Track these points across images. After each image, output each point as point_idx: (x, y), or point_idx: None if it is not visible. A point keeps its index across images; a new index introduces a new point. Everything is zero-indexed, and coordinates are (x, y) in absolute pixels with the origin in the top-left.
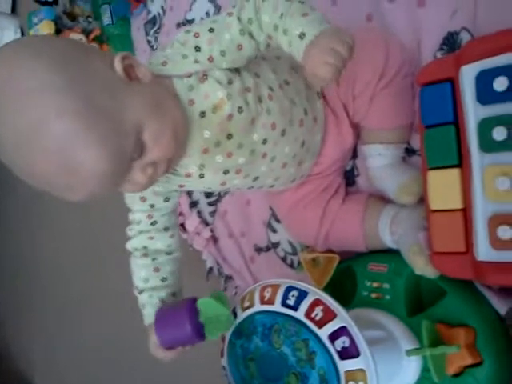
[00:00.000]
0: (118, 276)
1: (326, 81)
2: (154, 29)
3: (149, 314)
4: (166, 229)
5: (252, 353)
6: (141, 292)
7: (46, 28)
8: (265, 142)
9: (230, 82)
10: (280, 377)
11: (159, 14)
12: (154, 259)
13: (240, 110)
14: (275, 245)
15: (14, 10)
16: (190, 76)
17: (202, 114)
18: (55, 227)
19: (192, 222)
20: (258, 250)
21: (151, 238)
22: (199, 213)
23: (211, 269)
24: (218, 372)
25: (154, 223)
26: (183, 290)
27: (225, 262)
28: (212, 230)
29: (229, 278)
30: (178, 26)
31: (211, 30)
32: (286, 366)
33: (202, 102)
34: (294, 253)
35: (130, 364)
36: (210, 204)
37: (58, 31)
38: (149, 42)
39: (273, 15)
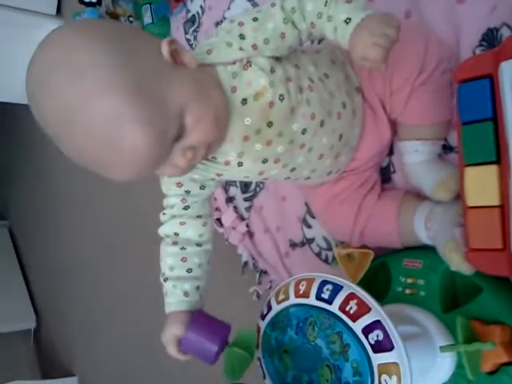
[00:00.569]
0: (154, 270)
1: (377, 62)
2: (193, 28)
3: (170, 303)
4: (198, 216)
5: (286, 345)
6: (165, 280)
7: None
8: (304, 131)
9: (272, 70)
10: (314, 369)
11: (198, 13)
12: (182, 248)
13: (281, 97)
14: (310, 240)
15: (58, 11)
16: (234, 63)
17: (244, 102)
18: (94, 225)
19: (228, 217)
20: (293, 245)
21: (183, 223)
22: (235, 208)
23: (246, 263)
24: (252, 363)
25: (186, 208)
26: (219, 284)
27: (260, 257)
28: (248, 225)
29: (264, 272)
30: (217, 24)
31: (255, 20)
32: (320, 359)
33: (244, 89)
34: (329, 248)
35: (165, 356)
36: (246, 199)
37: None
38: (188, 40)
39: (316, 3)
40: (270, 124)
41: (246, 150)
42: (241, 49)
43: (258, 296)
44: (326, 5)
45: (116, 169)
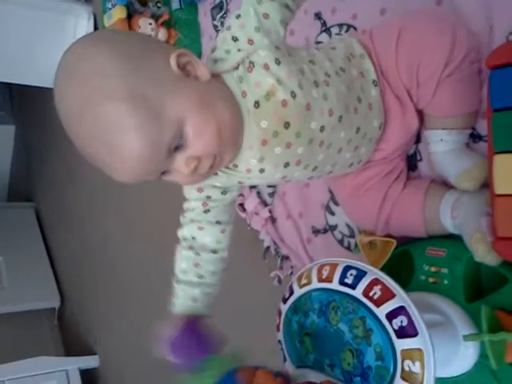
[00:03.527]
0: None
1: None
2: (221, 14)
3: (176, 305)
4: (217, 222)
5: (308, 328)
6: (177, 282)
7: (118, 12)
8: (322, 129)
9: (277, 62)
10: (335, 352)
11: None
12: (197, 254)
13: (293, 94)
14: (333, 227)
15: None
16: (237, 67)
17: (257, 104)
18: (121, 216)
19: (251, 202)
20: (316, 231)
21: (201, 228)
22: (258, 193)
23: (268, 248)
24: (273, 346)
25: (207, 211)
26: (241, 268)
27: (282, 242)
28: (270, 211)
29: (285, 257)
30: None
31: (238, 17)
32: (342, 343)
33: (254, 91)
34: (352, 235)
35: None
36: (270, 185)
37: (129, 16)
38: (215, 26)
39: None
40: (286, 125)
41: (266, 154)
42: (239, 50)
43: (280, 281)
44: None
45: (116, 171)
